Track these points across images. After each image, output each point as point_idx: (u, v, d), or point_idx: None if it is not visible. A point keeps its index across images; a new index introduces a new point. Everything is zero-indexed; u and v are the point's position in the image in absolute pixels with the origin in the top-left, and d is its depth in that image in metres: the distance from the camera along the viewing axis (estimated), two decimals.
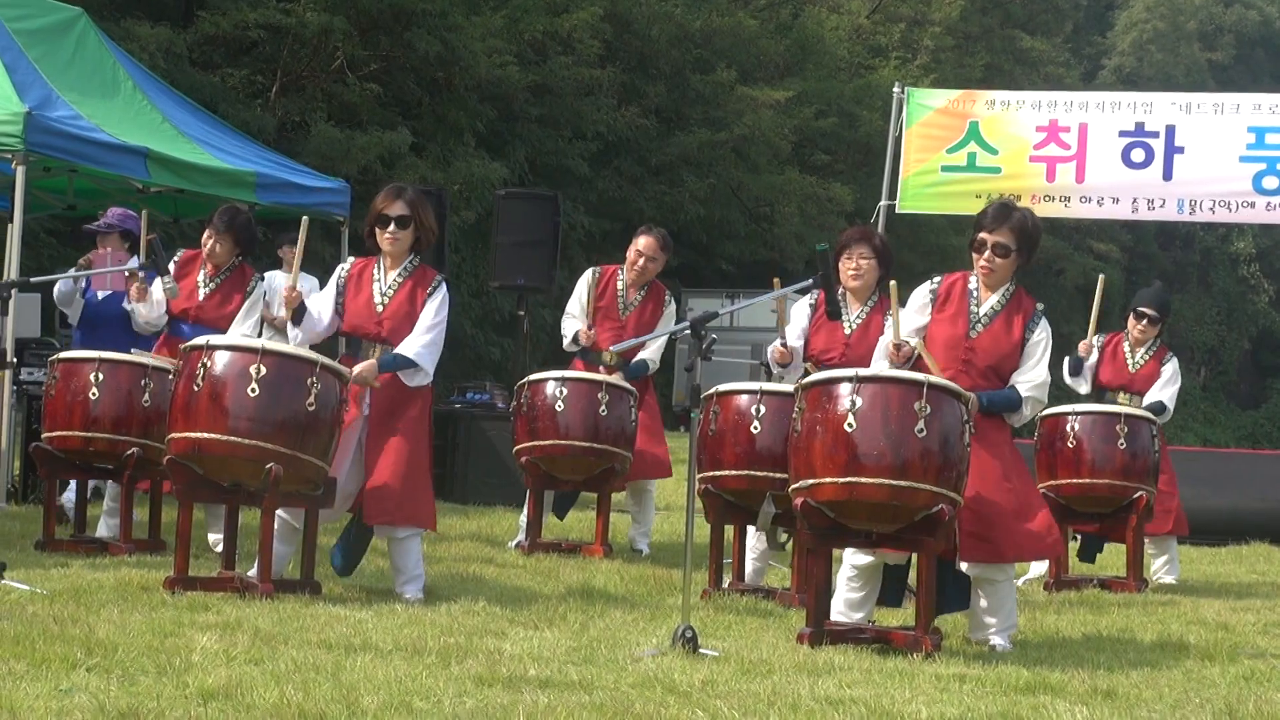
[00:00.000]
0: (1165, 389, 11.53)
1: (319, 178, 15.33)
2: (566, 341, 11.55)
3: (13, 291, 8.79)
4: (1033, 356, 7.94)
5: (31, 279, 10.05)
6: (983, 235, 7.96)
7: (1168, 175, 14.52)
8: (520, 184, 28.84)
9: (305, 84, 27.62)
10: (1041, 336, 7.96)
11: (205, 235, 10.54)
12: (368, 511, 8.42)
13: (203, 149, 13.65)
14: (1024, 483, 7.97)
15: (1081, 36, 63.12)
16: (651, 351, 11.49)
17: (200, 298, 10.50)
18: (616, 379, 11.04)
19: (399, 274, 8.67)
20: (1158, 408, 11.31)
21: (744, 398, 9.25)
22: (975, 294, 8.02)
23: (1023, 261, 8.01)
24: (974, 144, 14.90)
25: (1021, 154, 14.82)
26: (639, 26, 34.56)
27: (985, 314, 7.96)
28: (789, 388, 8.64)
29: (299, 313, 8.59)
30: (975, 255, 8.00)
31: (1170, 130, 14.56)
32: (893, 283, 7.96)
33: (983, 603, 7.92)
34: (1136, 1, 67.51)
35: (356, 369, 8.42)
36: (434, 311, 8.63)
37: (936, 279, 8.17)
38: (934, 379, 7.37)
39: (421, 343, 8.55)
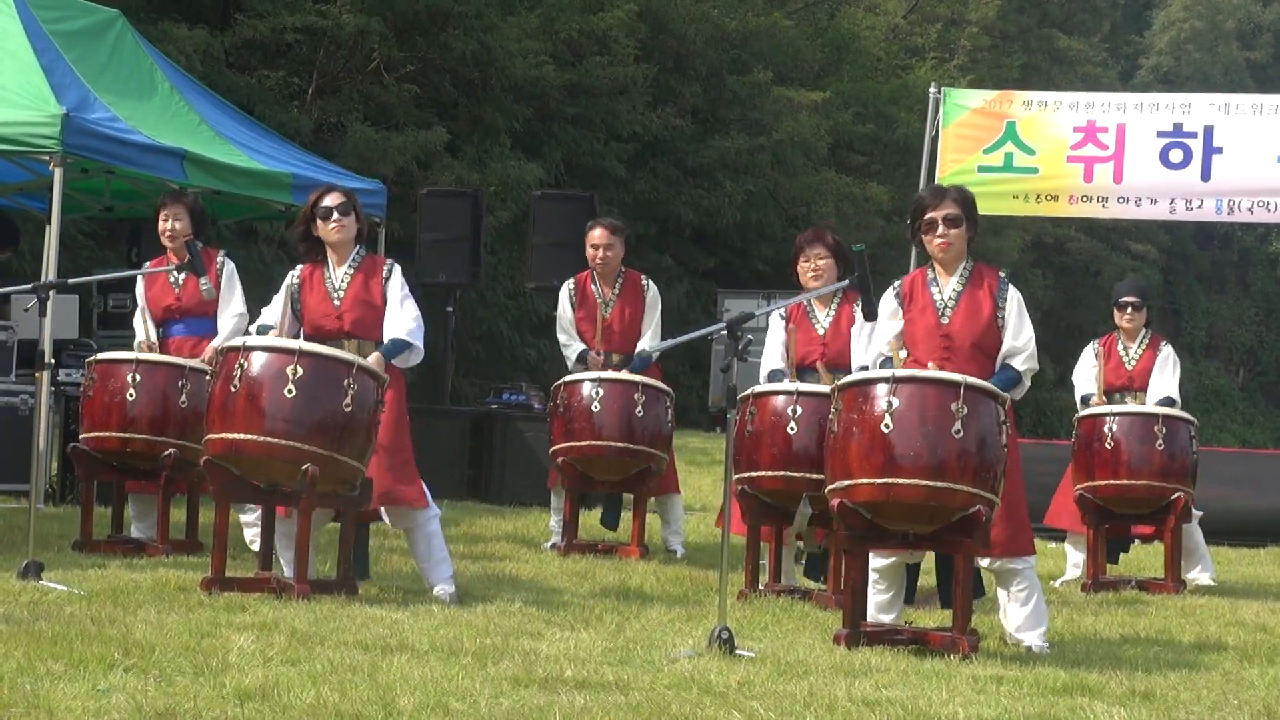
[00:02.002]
0: (1165, 379, 11.42)
1: (355, 179, 15.34)
2: (571, 364, 11.52)
3: (50, 293, 8.82)
4: (1011, 325, 7.94)
5: (69, 280, 10.07)
6: (930, 214, 7.98)
7: (1206, 176, 14.46)
8: (556, 185, 28.84)
9: (342, 85, 27.65)
10: (1014, 304, 7.97)
11: (160, 219, 10.48)
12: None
13: (240, 150, 13.68)
14: (1016, 479, 7.91)
15: (1119, 36, 62.88)
16: (647, 340, 11.49)
17: (176, 291, 10.50)
18: (652, 380, 11.05)
19: (348, 267, 8.78)
20: (1167, 403, 11.23)
21: (780, 399, 9.23)
22: (936, 281, 8.04)
23: (972, 232, 8.02)
24: (1011, 144, 14.86)
25: (1059, 154, 14.78)
26: (675, 26, 34.52)
27: (950, 297, 7.98)
28: (825, 389, 8.64)
29: (261, 330, 8.69)
30: (928, 238, 8.01)
31: (1209, 131, 14.50)
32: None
33: (1008, 598, 7.89)
34: (1174, 0, 67.27)
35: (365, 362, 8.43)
36: (399, 290, 8.73)
37: (896, 283, 8.19)
38: (971, 380, 7.35)
39: (407, 325, 8.64)
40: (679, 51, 34.93)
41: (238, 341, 8.25)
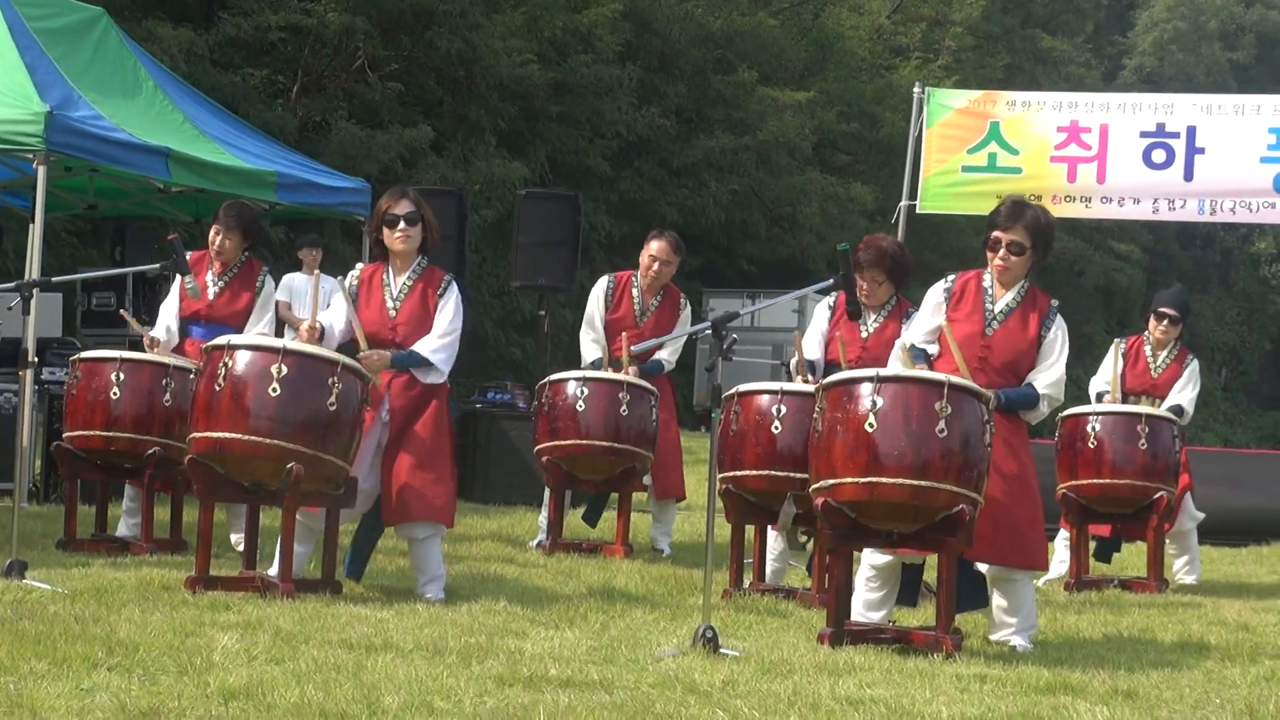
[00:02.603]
0: (1184, 392, 11.48)
1: (340, 177, 15.34)
2: (585, 364, 11.47)
3: (34, 291, 8.81)
4: (1050, 354, 7.93)
5: (53, 278, 10.06)
6: (997, 234, 7.96)
7: (1189, 176, 14.47)
8: (541, 184, 28.83)
9: (326, 84, 27.63)
10: (1058, 333, 7.96)
11: (213, 231, 10.51)
12: (386, 512, 8.43)
13: (224, 149, 13.67)
14: (1034, 490, 7.94)
15: (1102, 36, 62.97)
16: (668, 352, 11.47)
17: (210, 296, 10.49)
18: (631, 374, 11.05)
19: (409, 277, 8.67)
20: (1176, 411, 11.26)
21: (765, 398, 9.25)
22: (990, 291, 8.01)
23: (1037, 259, 8.01)
24: (995, 144, 14.86)
25: (1042, 154, 14.78)
26: (659, 26, 34.53)
27: (1000, 311, 7.96)
28: (810, 388, 8.65)
29: (320, 336, 8.57)
30: (990, 253, 8.00)
31: (1191, 131, 14.51)
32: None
33: (1001, 602, 7.92)
34: (1157, 1, 67.39)
35: (371, 351, 8.40)
36: (451, 312, 8.65)
37: (951, 277, 8.17)
38: (955, 379, 7.37)
39: (438, 344, 8.57)
40: (663, 51, 34.94)
41: (222, 340, 8.23)
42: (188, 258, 10.57)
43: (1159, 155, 14.52)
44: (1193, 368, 11.63)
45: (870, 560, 7.91)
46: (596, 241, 30.81)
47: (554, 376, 11.15)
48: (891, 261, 9.69)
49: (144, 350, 10.21)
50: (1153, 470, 10.71)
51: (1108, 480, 10.74)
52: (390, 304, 8.62)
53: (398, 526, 8.56)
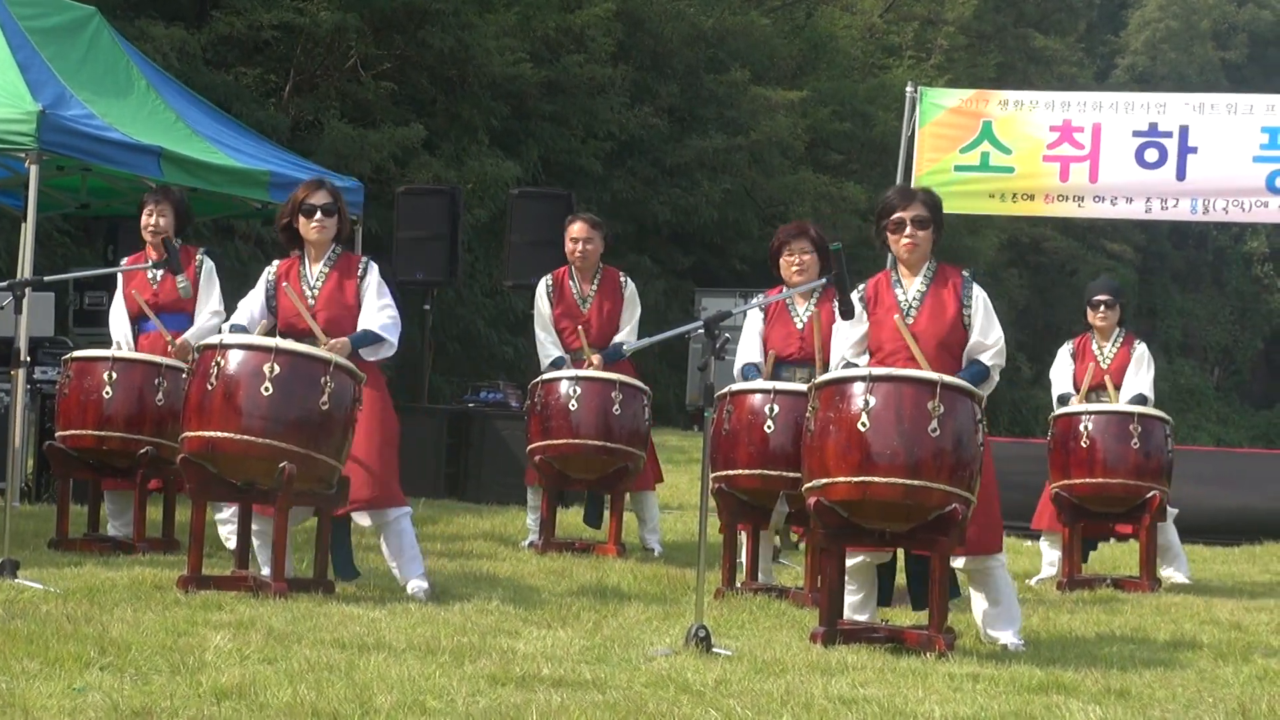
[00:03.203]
0: (1139, 377, 11.42)
1: (332, 176, 15.28)
2: (545, 366, 11.47)
3: (26, 290, 8.80)
4: (978, 323, 7.91)
5: (45, 277, 10.04)
6: (898, 215, 7.96)
7: (1181, 175, 14.48)
8: (533, 183, 28.83)
9: (319, 83, 27.61)
10: (979, 301, 7.94)
11: (145, 215, 10.45)
12: (350, 499, 8.40)
13: (216, 148, 13.65)
14: (990, 474, 7.91)
15: (1095, 35, 63.02)
16: (625, 333, 11.49)
17: (154, 288, 10.46)
18: (596, 362, 11.07)
19: (324, 265, 8.74)
20: (1139, 400, 11.25)
21: (757, 397, 9.25)
22: (900, 282, 8.03)
23: (938, 235, 8.02)
24: (987, 143, 14.87)
25: (1035, 154, 14.79)
26: (651, 25, 34.53)
27: (914, 297, 7.96)
28: (802, 387, 8.65)
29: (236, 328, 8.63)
30: (894, 237, 7.99)
31: (1184, 130, 14.53)
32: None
33: (981, 596, 7.91)
34: (1150, 0, 67.44)
35: (332, 342, 8.40)
36: (376, 289, 8.71)
37: (860, 285, 8.15)
38: (948, 378, 7.37)
39: (382, 319, 8.62)
40: (656, 50, 34.94)
41: (214, 339, 8.23)
42: (124, 262, 10.55)
43: (1151, 155, 14.54)
44: (1140, 351, 11.58)
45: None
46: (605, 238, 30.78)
47: (546, 376, 11.15)
48: (816, 234, 9.86)
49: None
50: (1145, 469, 10.72)
51: (1100, 479, 10.74)
52: (308, 292, 8.67)
53: (359, 517, 8.56)
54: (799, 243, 9.79)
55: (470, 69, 28.87)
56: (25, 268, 11.84)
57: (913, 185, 14.68)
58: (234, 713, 5.34)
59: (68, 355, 10.23)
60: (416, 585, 8.50)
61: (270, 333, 8.68)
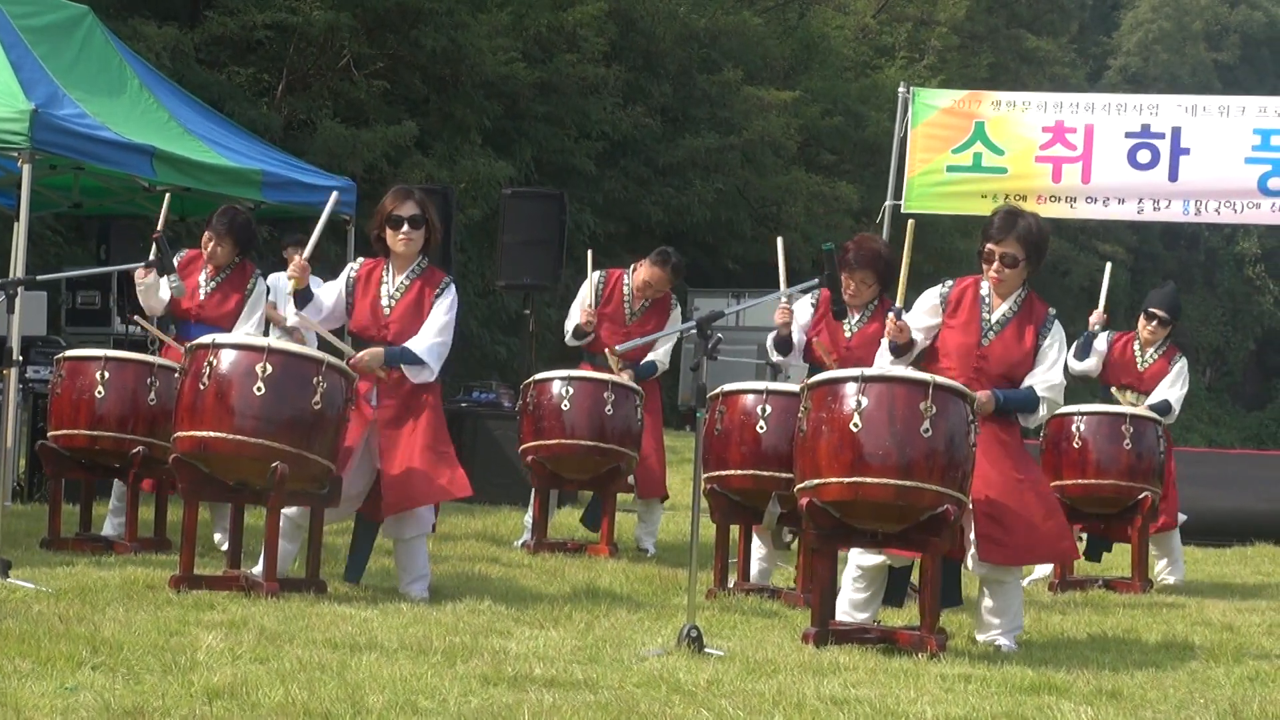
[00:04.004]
0: (1172, 388, 11.51)
1: (325, 176, 15.32)
2: (568, 337, 11.51)
3: (19, 289, 8.80)
4: (1046, 360, 7.92)
5: (37, 277, 10.04)
6: (990, 246, 7.93)
7: (1173, 176, 14.51)
8: (526, 183, 28.82)
9: (312, 82, 27.60)
10: (1055, 341, 7.95)
11: (205, 238, 10.51)
12: (385, 504, 8.41)
13: (209, 147, 13.64)
14: (1040, 484, 7.96)
15: (1087, 36, 63.07)
16: (660, 354, 11.49)
17: (202, 297, 10.49)
18: (625, 378, 11.05)
19: (407, 276, 8.65)
20: (1163, 407, 11.30)
21: (750, 397, 9.26)
22: (987, 301, 7.98)
23: (1031, 269, 7.98)
24: (980, 144, 14.89)
25: (1028, 154, 14.81)
26: (644, 25, 34.54)
27: (997, 321, 7.94)
28: (794, 387, 8.65)
29: (304, 296, 8.53)
30: (984, 265, 7.97)
31: (1176, 132, 14.55)
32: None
33: (989, 602, 7.92)
34: (1142, 2, 67.49)
35: (362, 353, 8.39)
36: (443, 312, 8.61)
37: (949, 283, 8.13)
38: (940, 379, 7.37)
39: (430, 341, 8.53)
40: (648, 50, 34.94)
41: (207, 339, 8.23)
42: (182, 255, 10.58)
43: (1144, 156, 14.57)
44: (1180, 366, 11.65)
45: (858, 561, 7.92)
46: (581, 241, 30.79)
47: (539, 376, 11.15)
48: (884, 265, 9.59)
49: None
50: (1137, 470, 10.74)
51: (1092, 480, 10.76)
52: (385, 301, 8.62)
53: (385, 524, 8.56)
54: (860, 273, 9.54)
55: (463, 68, 28.87)
56: (17, 267, 11.81)
57: (905, 186, 14.77)
58: (226, 712, 5.34)
59: (60, 355, 10.23)
60: (416, 592, 8.49)
61: (340, 332, 8.68)
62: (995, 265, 7.90)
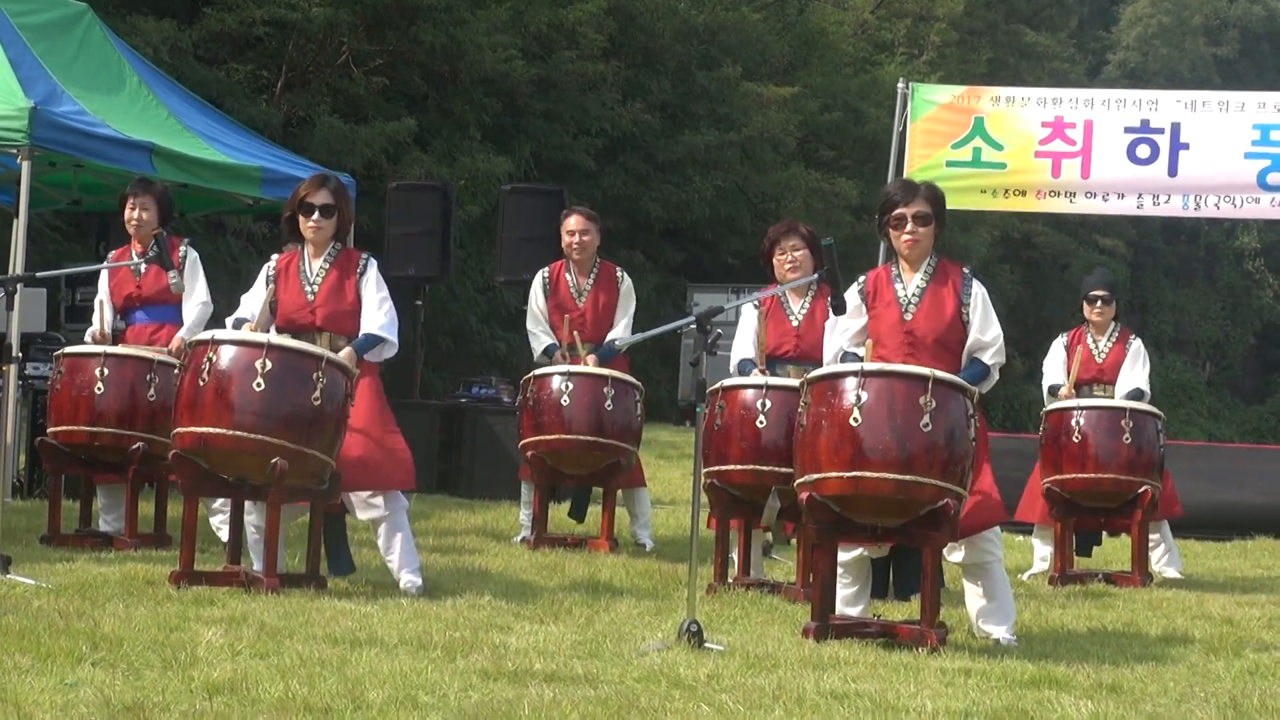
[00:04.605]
0: (1135, 372, 11.45)
1: (324, 172, 15.30)
2: (537, 356, 11.52)
3: (18, 286, 8.80)
4: (976, 320, 7.91)
5: (37, 273, 10.04)
6: (900, 210, 7.96)
7: (1173, 171, 14.50)
8: (525, 179, 28.81)
9: (310, 78, 27.59)
10: (978, 299, 7.94)
11: (128, 207, 10.45)
12: (346, 481, 8.39)
13: (208, 144, 13.64)
14: (980, 458, 7.88)
15: (1086, 31, 63.06)
16: (619, 329, 11.49)
17: (138, 280, 10.47)
18: (590, 362, 11.07)
19: (324, 261, 8.74)
20: (1136, 395, 11.28)
21: (749, 392, 9.26)
22: (900, 277, 8.03)
23: (939, 230, 8.02)
24: (979, 139, 14.88)
25: (1027, 150, 14.80)
26: (643, 21, 34.51)
27: (913, 293, 7.96)
28: (794, 382, 8.65)
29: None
30: (895, 232, 7.99)
31: (1175, 127, 14.55)
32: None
33: (978, 590, 7.91)
34: None
35: (338, 356, 8.41)
36: (375, 287, 8.73)
37: (861, 278, 8.17)
38: (940, 373, 7.37)
39: (381, 320, 8.66)
40: (647, 46, 34.93)
41: (206, 335, 8.23)
42: (111, 255, 10.54)
43: (1143, 151, 14.56)
44: (1135, 346, 11.61)
45: (838, 557, 7.90)
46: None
47: (538, 371, 11.15)
48: (808, 232, 9.93)
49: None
50: (1137, 464, 10.73)
51: (1092, 475, 10.76)
52: (308, 288, 8.68)
53: (357, 510, 8.56)
54: (790, 240, 9.85)
55: (462, 65, 28.85)
56: (17, 264, 11.82)
57: None
58: (226, 708, 5.34)
59: (59, 351, 10.24)
60: (410, 580, 8.51)
61: (267, 329, 8.69)
62: (909, 226, 7.93)
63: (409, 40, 28.08)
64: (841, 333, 8.10)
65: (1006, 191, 14.92)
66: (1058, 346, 11.75)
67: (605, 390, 10.85)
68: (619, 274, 11.76)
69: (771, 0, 41.00)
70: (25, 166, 11.73)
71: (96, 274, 11.79)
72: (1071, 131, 14.72)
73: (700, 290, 31.92)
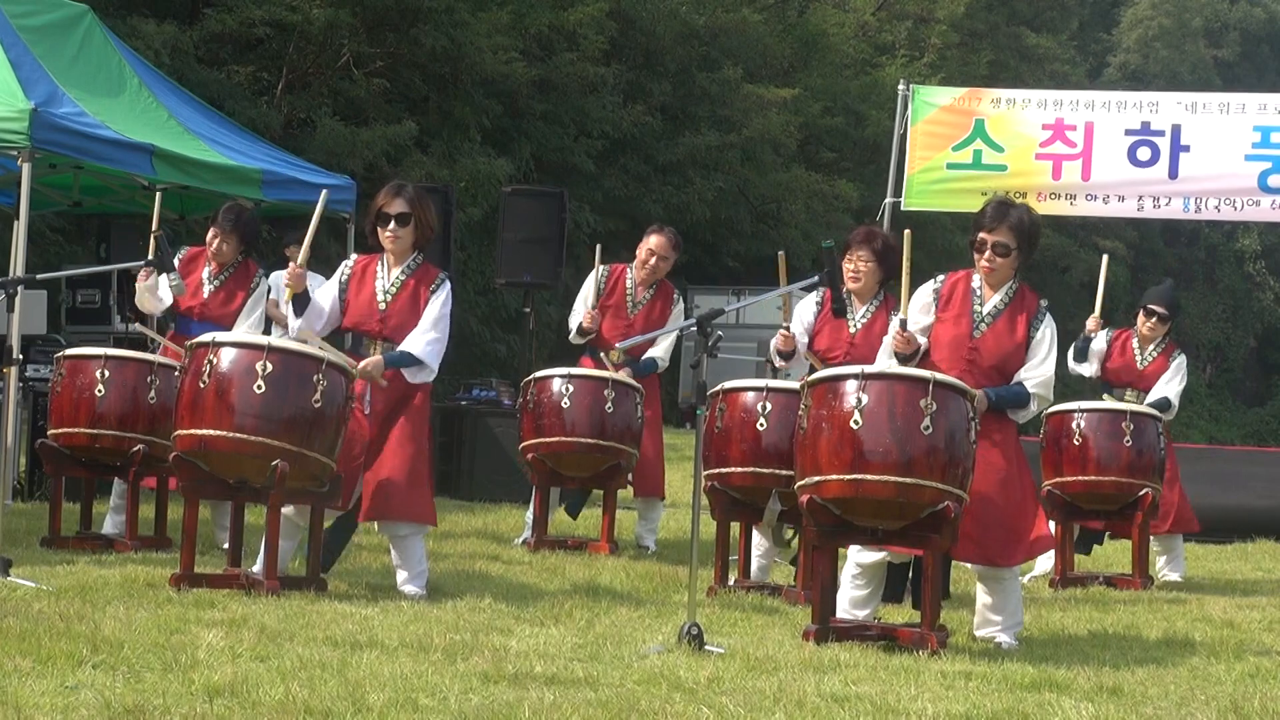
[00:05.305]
0: (1170, 384, 11.52)
1: (324, 174, 15.31)
2: (572, 334, 11.52)
3: (19, 288, 8.80)
4: (1038, 353, 7.91)
5: (37, 275, 10.04)
6: (982, 235, 7.94)
7: (1173, 174, 14.50)
8: (526, 181, 28.83)
9: (311, 80, 27.60)
10: (1046, 333, 7.94)
11: (210, 234, 10.53)
12: (368, 508, 8.42)
13: (209, 146, 13.63)
14: (1025, 485, 7.93)
15: (1087, 33, 63.02)
16: (661, 350, 11.45)
17: (205, 295, 10.50)
18: (623, 375, 11.05)
19: (402, 272, 8.65)
20: (1163, 404, 11.31)
21: (750, 395, 9.26)
22: (979, 293, 7.99)
23: (1023, 259, 7.99)
24: (980, 141, 14.87)
25: (1027, 152, 14.80)
26: (643, 23, 34.52)
27: (988, 313, 7.94)
28: (795, 385, 8.64)
29: (301, 301, 8.54)
30: (976, 255, 7.98)
31: (1176, 129, 14.54)
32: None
33: (988, 599, 7.92)
34: None
35: (363, 364, 8.40)
36: (438, 308, 8.61)
37: (940, 278, 8.14)
38: (940, 376, 7.37)
39: (427, 340, 8.54)
40: (648, 48, 34.94)
41: (206, 337, 8.23)
42: (183, 254, 10.59)
43: (1144, 153, 14.55)
44: (1179, 362, 11.67)
45: (857, 558, 7.91)
46: (581, 239, 30.82)
47: (539, 373, 11.15)
48: (882, 244, 9.63)
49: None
50: (1137, 467, 10.73)
51: (1093, 477, 10.76)
52: (381, 297, 8.63)
53: (381, 525, 8.57)
54: (860, 250, 9.62)
55: (463, 67, 28.86)
56: (17, 266, 11.81)
57: (905, 183, 14.76)
58: (226, 710, 5.34)
59: (60, 353, 10.23)
60: (413, 591, 8.49)
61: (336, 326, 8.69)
62: (988, 254, 7.91)
63: (409, 42, 28.09)
64: (915, 326, 8.03)
65: (1007, 193, 14.89)
66: (1102, 336, 11.71)
67: (606, 393, 10.85)
68: (675, 295, 11.70)
69: (772, 2, 41.01)
70: (26, 168, 11.72)
71: (97, 276, 11.84)
72: (1072, 134, 14.72)
73: (701, 292, 31.94)
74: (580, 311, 11.47)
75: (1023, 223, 7.97)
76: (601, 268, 11.59)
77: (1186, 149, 14.46)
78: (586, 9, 31.02)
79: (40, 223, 19.03)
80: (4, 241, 13.85)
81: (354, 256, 8.88)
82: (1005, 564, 7.84)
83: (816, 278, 8.30)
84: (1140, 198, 14.65)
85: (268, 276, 10.84)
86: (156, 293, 10.37)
